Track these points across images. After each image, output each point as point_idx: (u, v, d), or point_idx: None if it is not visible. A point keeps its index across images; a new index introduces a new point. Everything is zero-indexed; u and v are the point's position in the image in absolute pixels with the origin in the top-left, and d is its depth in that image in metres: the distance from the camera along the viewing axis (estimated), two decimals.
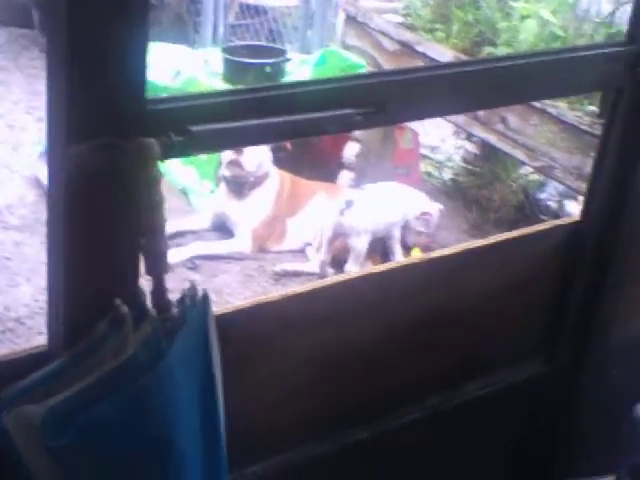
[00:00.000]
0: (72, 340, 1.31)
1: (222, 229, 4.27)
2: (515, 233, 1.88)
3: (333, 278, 1.67)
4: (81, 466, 1.26)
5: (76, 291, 1.30)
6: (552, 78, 1.69)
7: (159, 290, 1.31)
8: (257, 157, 4.10)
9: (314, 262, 4.06)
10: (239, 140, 1.40)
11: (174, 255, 3.95)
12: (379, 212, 3.99)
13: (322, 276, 3.96)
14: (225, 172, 4.17)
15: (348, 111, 1.42)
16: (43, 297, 3.67)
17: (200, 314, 1.34)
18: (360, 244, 3.92)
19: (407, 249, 4.12)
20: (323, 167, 4.52)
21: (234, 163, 4.09)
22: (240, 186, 4.16)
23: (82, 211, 1.25)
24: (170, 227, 4.27)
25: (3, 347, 3.41)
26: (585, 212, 1.92)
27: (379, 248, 4.11)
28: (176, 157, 1.32)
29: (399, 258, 4.10)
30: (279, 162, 4.27)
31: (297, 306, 1.61)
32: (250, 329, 1.56)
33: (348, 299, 1.67)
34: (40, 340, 3.58)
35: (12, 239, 4.10)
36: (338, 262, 4.00)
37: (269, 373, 1.62)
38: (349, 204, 3.88)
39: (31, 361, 1.34)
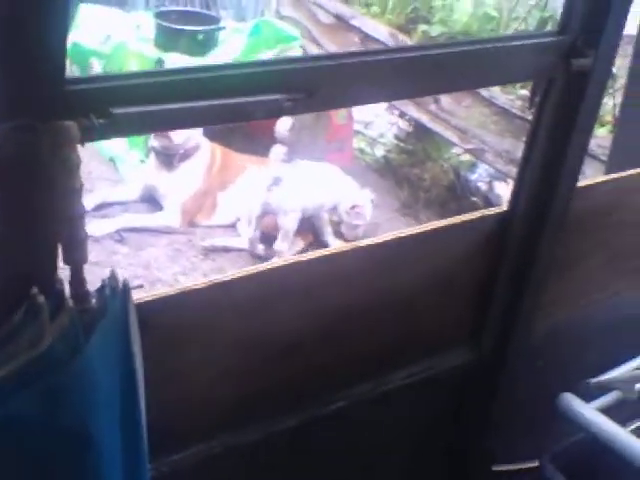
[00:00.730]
0: None
1: (151, 201, 4.20)
2: (443, 222, 1.87)
3: (259, 266, 1.63)
4: None
5: None
6: (484, 67, 1.67)
7: (78, 280, 1.26)
8: (185, 132, 4.03)
9: (244, 238, 4.02)
10: (163, 124, 1.35)
11: (101, 227, 3.88)
12: (308, 191, 3.96)
13: (251, 252, 3.93)
14: (154, 143, 4.10)
15: (277, 96, 1.38)
16: None
17: (120, 304, 1.30)
18: (288, 222, 3.89)
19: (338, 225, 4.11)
20: (255, 141, 4.47)
21: (163, 135, 4.01)
22: (169, 158, 4.09)
23: None
24: (97, 197, 4.24)
25: None
26: (513, 202, 1.91)
27: (309, 227, 4.08)
28: (97, 140, 1.26)
29: (329, 238, 4.08)
30: (211, 134, 4.21)
31: (223, 294, 1.57)
32: (175, 317, 1.52)
33: (275, 287, 1.64)
34: None
35: None
36: (268, 238, 3.97)
37: (194, 361, 1.59)
38: (277, 181, 3.84)
39: None
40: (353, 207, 4.05)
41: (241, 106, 1.35)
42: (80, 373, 1.21)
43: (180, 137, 4.03)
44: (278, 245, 3.88)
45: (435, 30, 4.02)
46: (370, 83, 1.52)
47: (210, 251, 3.95)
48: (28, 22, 1.11)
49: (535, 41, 1.76)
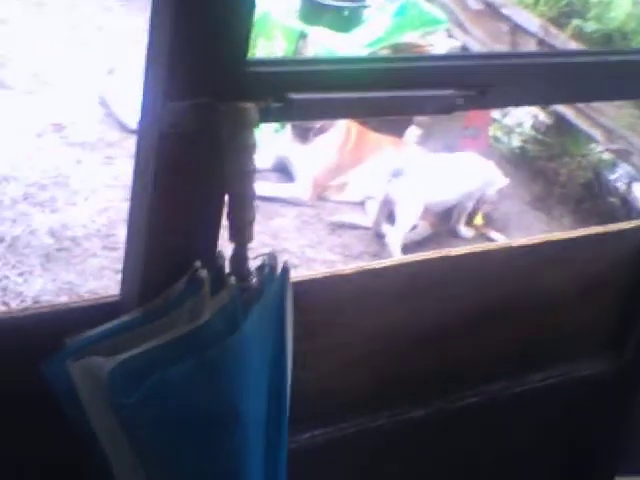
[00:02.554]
0: (147, 295, 1.30)
1: (283, 171, 4.24)
2: (597, 229, 1.83)
3: (407, 257, 1.63)
4: (143, 426, 1.25)
5: (156, 248, 1.28)
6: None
7: (240, 258, 1.28)
8: None
9: (371, 217, 4.02)
10: (335, 112, 1.36)
11: None
12: (436, 185, 3.91)
13: (376, 233, 3.92)
14: None
15: (450, 92, 1.37)
16: (100, 219, 3.72)
17: (279, 286, 1.32)
18: (404, 215, 3.84)
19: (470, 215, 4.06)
20: (392, 120, 4.44)
21: None
22: (305, 131, 4.11)
23: (171, 170, 1.22)
24: None
25: (57, 265, 3.44)
26: None
27: (444, 215, 4.03)
28: (271, 122, 1.28)
29: (461, 227, 4.03)
30: None
31: (371, 281, 1.58)
32: (322, 300, 1.54)
33: (421, 279, 1.64)
34: (94, 263, 3.63)
35: (74, 157, 4.10)
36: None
37: (336, 344, 1.60)
38: (396, 174, 3.81)
39: (101, 311, 1.33)
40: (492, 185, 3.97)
41: (413, 100, 1.34)
42: (235, 350, 1.23)
43: None
44: (391, 236, 3.85)
45: (589, 26, 3.90)
46: (541, 84, 1.50)
47: (337, 227, 3.96)
48: (219, 10, 1.14)
49: None
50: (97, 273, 3.41)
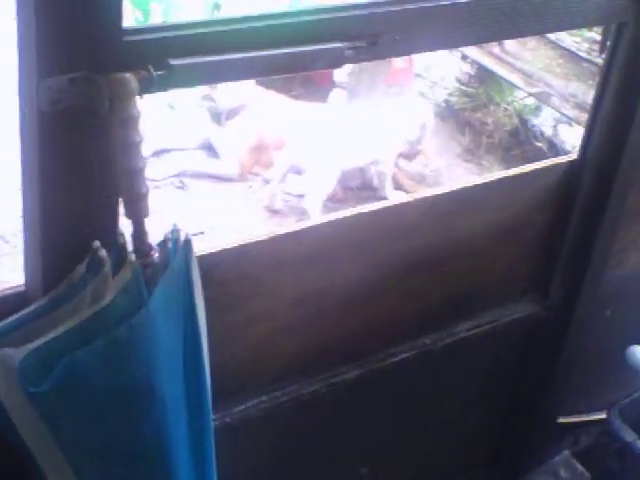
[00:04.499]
0: (51, 282, 1.27)
1: (209, 148, 4.18)
2: (511, 171, 1.82)
3: (323, 217, 1.61)
4: (61, 412, 1.23)
5: (53, 233, 1.25)
6: (554, 11, 1.60)
7: (139, 234, 1.24)
8: (232, 89, 3.98)
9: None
10: (222, 75, 1.31)
11: (161, 170, 3.88)
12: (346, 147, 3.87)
13: (269, 208, 3.85)
14: (201, 104, 4.08)
15: (338, 45, 1.34)
16: None
17: (182, 258, 1.29)
18: (312, 183, 3.79)
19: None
20: (314, 86, 4.40)
21: (207, 98, 4.00)
22: (217, 115, 4.07)
23: (56, 150, 1.18)
24: (156, 144, 4.23)
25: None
26: (583, 150, 1.85)
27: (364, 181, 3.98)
28: (156, 92, 1.24)
29: (387, 192, 3.97)
30: (267, 82, 4.15)
31: (286, 245, 1.55)
32: (238, 269, 1.51)
33: (338, 238, 1.62)
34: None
35: None
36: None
37: (256, 313, 1.58)
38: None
39: (8, 302, 1.30)
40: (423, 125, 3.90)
41: (302, 56, 1.31)
42: (143, 327, 1.21)
43: (225, 99, 3.99)
44: (305, 204, 3.80)
45: None
46: (434, 30, 1.47)
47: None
48: None
49: None
50: None
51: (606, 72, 1.76)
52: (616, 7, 1.66)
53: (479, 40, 2.18)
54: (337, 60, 1.35)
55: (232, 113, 4.05)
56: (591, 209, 1.89)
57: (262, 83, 4.14)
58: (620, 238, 1.99)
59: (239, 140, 4.04)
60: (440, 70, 4.76)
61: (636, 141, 1.82)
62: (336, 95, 4.27)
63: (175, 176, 3.92)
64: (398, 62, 4.41)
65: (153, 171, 3.83)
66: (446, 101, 4.59)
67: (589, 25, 2.71)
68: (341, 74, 4.35)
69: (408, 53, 2.26)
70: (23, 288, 1.33)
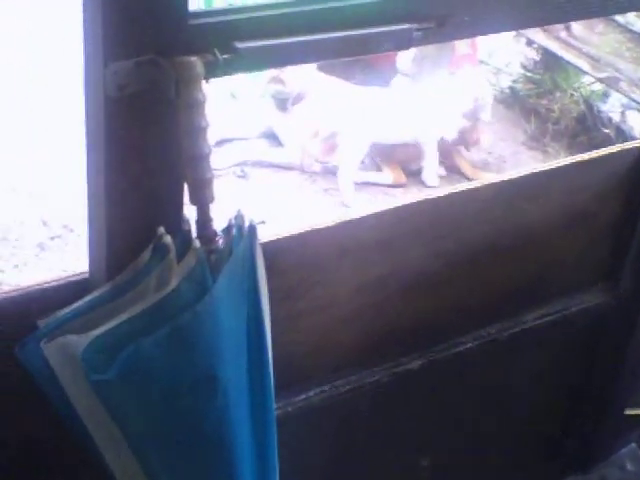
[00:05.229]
0: (114, 268, 1.26)
1: (271, 137, 4.17)
2: (578, 157, 1.77)
3: (386, 204, 1.58)
4: (124, 401, 1.23)
5: (117, 218, 1.24)
6: None
7: (204, 220, 1.23)
8: (300, 71, 3.97)
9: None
10: (288, 58, 1.29)
11: (223, 160, 3.89)
12: (387, 120, 3.83)
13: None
14: (268, 88, 4.06)
15: (406, 26, 1.31)
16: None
17: (247, 245, 1.27)
18: (347, 148, 3.78)
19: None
20: (376, 72, 4.36)
21: (276, 80, 3.97)
22: (283, 102, 4.05)
23: (122, 135, 1.18)
24: (218, 133, 4.24)
25: (52, 254, 3.41)
26: None
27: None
28: (222, 76, 1.23)
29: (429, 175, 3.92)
30: (329, 68, 4.13)
31: (348, 233, 1.53)
32: (300, 257, 1.49)
33: (401, 225, 1.59)
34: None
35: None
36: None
37: (319, 301, 1.56)
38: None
39: (72, 289, 1.30)
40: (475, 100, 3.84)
41: (368, 38, 1.28)
42: (208, 314, 1.20)
43: (294, 81, 3.96)
44: (339, 173, 3.76)
45: None
46: (503, 10, 1.43)
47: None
48: None
49: None
50: None
51: None
52: None
53: (548, 21, 2.13)
54: (405, 42, 1.32)
55: (297, 98, 4.03)
56: None
57: (323, 69, 4.12)
58: None
59: (302, 127, 4.03)
60: (504, 56, 4.68)
61: None
62: (398, 82, 4.23)
63: (237, 165, 3.93)
64: (461, 48, 4.35)
65: (215, 160, 3.84)
66: (511, 88, 4.51)
67: None
68: (404, 61, 4.31)
69: (477, 35, 2.22)
70: (87, 275, 1.33)
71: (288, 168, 3.99)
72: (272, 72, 3.94)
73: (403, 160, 3.93)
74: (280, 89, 4.00)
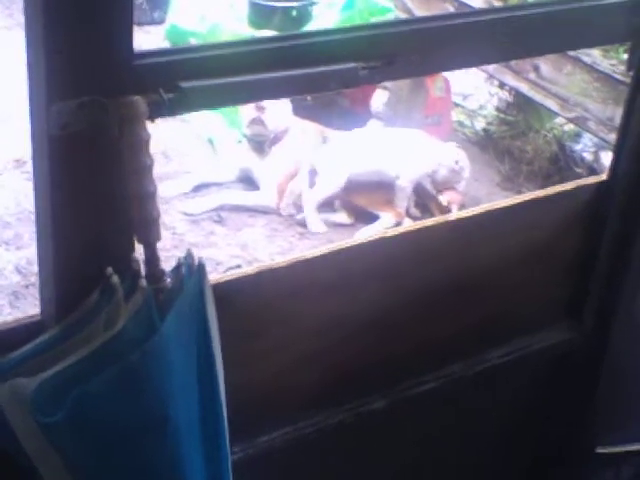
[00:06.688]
0: (64, 310, 1.26)
1: (248, 181, 4.18)
2: (539, 193, 1.78)
3: (341, 243, 1.58)
4: (74, 442, 1.22)
5: (65, 259, 1.24)
6: (575, 28, 1.57)
7: (152, 259, 1.23)
8: (280, 113, 3.99)
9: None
10: (234, 98, 1.30)
11: (200, 205, 3.90)
12: (363, 157, 3.88)
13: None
14: (247, 131, 4.07)
15: (352, 65, 1.32)
16: None
17: (196, 284, 1.27)
18: (324, 178, 3.84)
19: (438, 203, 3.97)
20: (351, 116, 4.40)
21: (256, 121, 3.98)
22: (261, 144, 4.07)
23: (66, 174, 1.18)
24: (195, 178, 4.26)
25: (26, 302, 3.39)
26: (612, 170, 1.81)
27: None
28: (167, 116, 1.23)
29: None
30: (303, 112, 4.16)
31: (305, 272, 1.53)
32: (256, 297, 1.48)
33: (359, 264, 1.59)
34: None
35: None
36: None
37: (276, 341, 1.55)
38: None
39: (25, 331, 1.29)
40: (456, 163, 3.88)
41: (314, 76, 1.29)
42: (156, 353, 1.19)
43: (274, 122, 3.99)
44: (306, 195, 3.82)
45: None
46: (451, 48, 1.44)
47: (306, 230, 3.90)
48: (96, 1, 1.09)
49: None
50: None
51: (634, 90, 1.72)
52: None
53: (498, 59, 2.16)
54: (352, 80, 1.33)
55: (275, 140, 4.06)
56: (623, 232, 1.83)
57: (300, 114, 4.15)
58: None
59: (279, 169, 4.04)
60: (479, 99, 4.73)
61: None
62: (373, 125, 4.26)
63: (214, 210, 3.93)
64: (436, 91, 4.39)
65: (192, 206, 3.86)
66: (485, 130, 4.54)
67: (614, 42, 2.67)
68: (378, 104, 4.35)
69: (425, 73, 2.25)
70: (39, 317, 1.32)
71: (264, 212, 3.99)
72: (252, 114, 3.96)
73: (375, 199, 3.96)
74: (260, 131, 4.02)
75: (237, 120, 4.25)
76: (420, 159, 3.91)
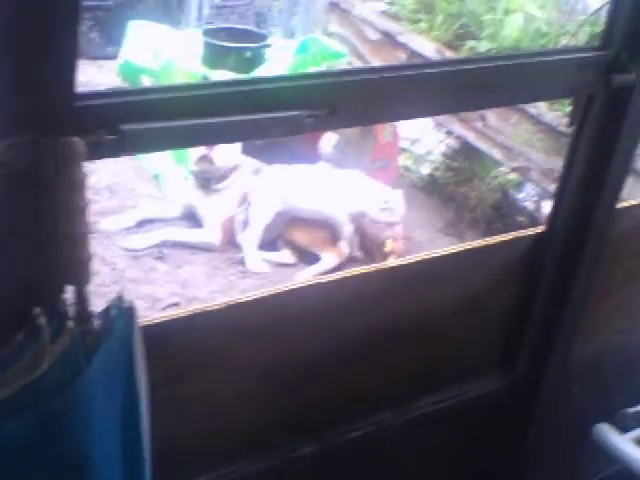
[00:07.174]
0: None
1: (192, 219, 4.17)
2: (479, 242, 1.80)
3: (278, 287, 1.57)
4: None
5: None
6: (522, 83, 1.61)
7: (81, 300, 1.21)
8: (228, 151, 4.00)
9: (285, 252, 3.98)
10: (174, 141, 1.30)
11: (142, 240, 3.86)
12: (297, 193, 3.93)
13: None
14: (194, 167, 4.07)
15: (296, 113, 1.33)
16: None
17: (125, 326, 1.25)
18: (256, 214, 3.89)
19: (378, 245, 3.99)
20: (300, 158, 4.41)
21: (205, 159, 3.98)
22: (207, 181, 4.06)
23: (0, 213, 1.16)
24: (139, 214, 4.22)
25: None
26: (551, 223, 1.83)
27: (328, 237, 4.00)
28: (106, 157, 1.23)
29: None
30: (251, 152, 4.17)
31: (238, 315, 1.52)
32: (187, 339, 1.47)
33: (295, 308, 1.59)
34: None
35: None
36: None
37: (206, 385, 1.54)
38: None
39: None
40: (385, 203, 3.91)
41: (259, 123, 1.29)
42: (80, 396, 1.18)
43: (223, 160, 3.99)
44: (244, 237, 3.84)
45: (483, 46, 3.91)
46: (396, 99, 1.46)
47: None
48: (35, 36, 1.08)
49: (575, 56, 1.69)
50: None
51: (574, 144, 1.76)
52: (585, 79, 1.66)
53: (443, 112, 2.19)
54: (296, 128, 1.34)
55: (221, 178, 4.05)
56: (558, 283, 1.86)
57: (250, 154, 4.15)
58: (590, 313, 1.95)
59: (223, 207, 4.04)
60: (426, 145, 4.78)
61: (603, 216, 1.80)
62: (321, 167, 4.28)
63: (156, 246, 3.90)
64: (384, 136, 4.43)
65: (135, 241, 3.83)
66: (431, 175, 4.60)
67: (559, 97, 2.72)
68: (326, 146, 4.38)
69: (370, 123, 2.27)
70: None
71: (207, 250, 3.98)
72: (201, 151, 3.96)
73: (317, 238, 3.97)
74: (207, 168, 4.02)
75: (185, 156, 4.24)
76: (351, 199, 3.95)
